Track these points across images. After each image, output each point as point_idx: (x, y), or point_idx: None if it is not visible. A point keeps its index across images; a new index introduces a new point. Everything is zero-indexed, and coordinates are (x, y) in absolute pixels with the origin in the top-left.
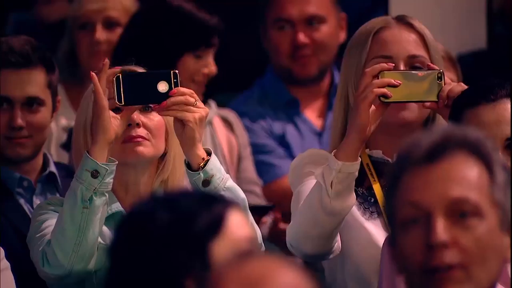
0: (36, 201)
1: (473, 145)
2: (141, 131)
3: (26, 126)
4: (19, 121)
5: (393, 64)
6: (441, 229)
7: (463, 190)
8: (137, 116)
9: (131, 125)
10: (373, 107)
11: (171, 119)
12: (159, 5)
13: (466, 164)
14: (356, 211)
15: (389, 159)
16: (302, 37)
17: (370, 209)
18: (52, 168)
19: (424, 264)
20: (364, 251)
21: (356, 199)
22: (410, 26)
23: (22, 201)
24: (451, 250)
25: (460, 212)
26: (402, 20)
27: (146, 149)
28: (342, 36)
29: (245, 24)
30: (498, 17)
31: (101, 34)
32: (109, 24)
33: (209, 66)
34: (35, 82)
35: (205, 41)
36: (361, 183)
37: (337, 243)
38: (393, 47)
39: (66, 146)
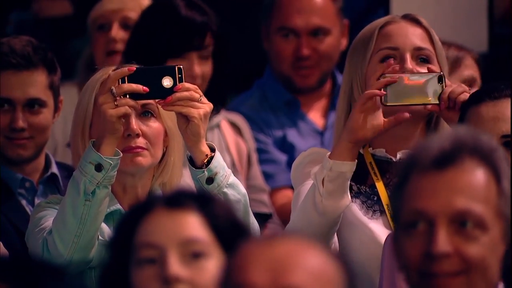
0: (38, 202)
1: (485, 153)
2: (140, 142)
3: (27, 127)
4: (20, 123)
5: (398, 67)
6: (443, 240)
7: (468, 201)
8: (137, 125)
9: (130, 135)
10: (372, 111)
11: (170, 122)
12: (155, 8)
13: (474, 173)
14: (358, 209)
15: (392, 157)
16: (305, 50)
17: (373, 208)
18: (54, 169)
19: (424, 269)
20: (365, 249)
21: (359, 197)
22: (416, 22)
23: (24, 202)
24: (452, 258)
25: (464, 222)
26: (408, 17)
27: (144, 159)
28: (344, 43)
29: (244, 23)
30: (500, 19)
31: (116, 32)
32: (126, 25)
33: (192, 69)
34: (36, 83)
35: (185, 45)
36: (364, 182)
37: (334, 245)
38: (399, 39)
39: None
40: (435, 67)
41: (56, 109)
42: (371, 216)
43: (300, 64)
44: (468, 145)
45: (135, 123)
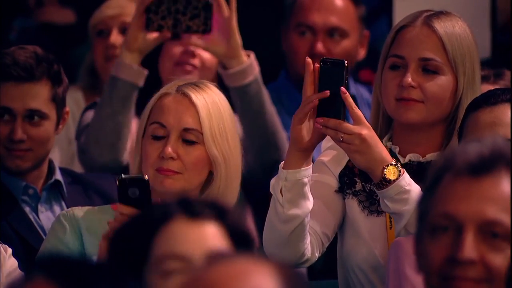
0: (41, 209)
1: None
2: (172, 165)
3: (27, 139)
4: (19, 134)
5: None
6: (470, 247)
7: (499, 212)
8: (174, 148)
9: (163, 157)
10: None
11: (216, 151)
12: None
13: (508, 184)
14: (356, 208)
15: (402, 158)
16: (320, 47)
17: (370, 208)
18: (58, 176)
19: (446, 272)
20: (356, 249)
21: (357, 196)
22: (432, 28)
23: (27, 209)
24: (476, 266)
25: (492, 232)
26: (427, 21)
27: (174, 183)
28: (362, 53)
29: (261, 27)
30: (503, 27)
31: (116, 38)
32: (125, 29)
33: (188, 47)
34: (38, 95)
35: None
36: (371, 180)
37: (312, 251)
38: (406, 48)
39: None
40: (444, 77)
41: (60, 120)
42: (367, 214)
43: (314, 61)
44: (507, 156)
45: (172, 146)
